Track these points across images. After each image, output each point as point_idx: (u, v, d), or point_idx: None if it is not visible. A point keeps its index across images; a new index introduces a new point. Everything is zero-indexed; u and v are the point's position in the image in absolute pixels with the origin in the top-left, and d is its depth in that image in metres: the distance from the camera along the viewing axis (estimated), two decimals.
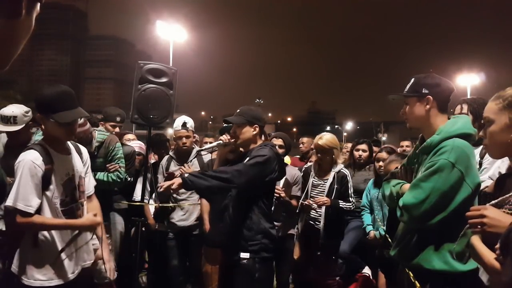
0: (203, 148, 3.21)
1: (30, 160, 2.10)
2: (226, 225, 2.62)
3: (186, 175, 2.44)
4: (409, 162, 2.19)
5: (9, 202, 2.03)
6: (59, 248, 2.17)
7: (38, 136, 3.28)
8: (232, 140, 2.80)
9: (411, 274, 1.94)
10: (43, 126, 2.21)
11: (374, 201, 4.07)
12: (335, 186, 3.91)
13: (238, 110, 2.84)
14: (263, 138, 2.86)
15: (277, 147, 3.30)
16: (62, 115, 2.12)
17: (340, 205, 3.89)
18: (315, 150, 4.06)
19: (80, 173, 2.32)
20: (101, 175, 3.27)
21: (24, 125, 3.11)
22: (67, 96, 2.22)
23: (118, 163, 3.40)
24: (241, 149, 2.89)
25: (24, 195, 2.04)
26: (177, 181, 2.41)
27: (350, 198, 3.95)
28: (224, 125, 3.19)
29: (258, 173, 2.53)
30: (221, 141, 2.87)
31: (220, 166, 2.85)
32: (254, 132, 2.74)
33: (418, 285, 1.91)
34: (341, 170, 4.00)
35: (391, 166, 3.10)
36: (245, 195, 2.59)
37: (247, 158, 2.61)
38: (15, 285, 2.12)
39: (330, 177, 3.95)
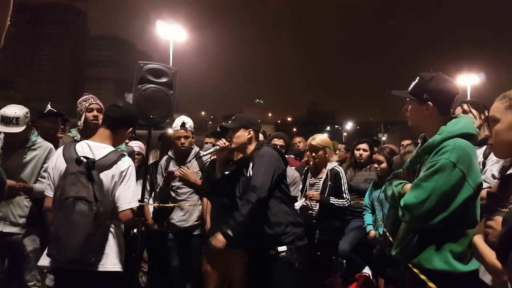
0: (202, 154, 3.30)
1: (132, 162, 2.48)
2: (255, 225, 2.79)
3: (229, 231, 2.66)
4: (411, 162, 2.18)
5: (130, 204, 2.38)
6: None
7: (34, 137, 3.27)
8: (228, 144, 3.00)
9: (417, 271, 1.93)
10: (125, 135, 2.64)
11: (375, 201, 4.08)
12: (329, 183, 4.00)
13: (233, 117, 3.09)
14: (259, 140, 3.05)
15: (278, 147, 3.38)
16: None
17: (331, 201, 3.94)
18: (308, 151, 4.13)
19: None
20: None
21: (25, 126, 3.11)
22: None
23: None
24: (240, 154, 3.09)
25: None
26: (220, 239, 2.67)
27: (344, 195, 4.01)
28: (218, 129, 3.34)
29: (272, 174, 2.76)
30: (218, 146, 3.04)
31: (222, 169, 3.09)
32: (249, 136, 2.97)
33: (425, 278, 1.89)
34: (335, 167, 4.08)
35: (407, 156, 3.10)
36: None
37: (251, 165, 2.81)
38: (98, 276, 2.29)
39: (324, 175, 4.06)
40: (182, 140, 3.83)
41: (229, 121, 3.07)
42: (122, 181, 2.37)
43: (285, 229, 2.76)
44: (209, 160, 3.97)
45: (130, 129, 2.63)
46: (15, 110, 3.09)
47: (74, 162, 2.29)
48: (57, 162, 2.41)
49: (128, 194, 2.38)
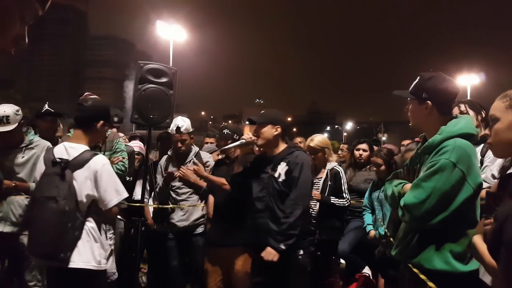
0: (226, 147, 3.28)
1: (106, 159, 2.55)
2: (268, 228, 2.84)
3: (281, 246, 2.71)
4: (411, 162, 2.18)
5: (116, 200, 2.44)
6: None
7: (31, 136, 3.27)
8: (254, 139, 2.97)
9: (417, 271, 1.93)
10: (100, 131, 2.58)
11: (374, 201, 4.08)
12: (329, 183, 4.03)
13: (262, 112, 3.07)
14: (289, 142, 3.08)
15: None
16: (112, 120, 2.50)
17: (332, 201, 3.95)
18: (308, 152, 4.13)
19: None
20: None
21: (17, 124, 3.09)
22: None
23: (122, 155, 3.48)
24: (258, 148, 3.13)
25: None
26: (271, 252, 2.71)
27: (344, 194, 4.03)
28: (224, 124, 3.34)
29: (311, 182, 2.93)
30: (243, 140, 3.00)
31: (242, 163, 3.09)
32: (276, 133, 2.93)
33: (425, 278, 1.89)
34: (335, 167, 4.11)
35: (408, 154, 3.10)
36: None
37: (282, 166, 2.84)
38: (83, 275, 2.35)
39: (324, 175, 4.08)
40: (179, 144, 3.82)
41: (258, 116, 3.05)
42: (99, 181, 2.39)
43: (301, 234, 2.82)
44: (209, 160, 3.98)
45: (102, 123, 2.58)
46: (4, 108, 3.07)
47: (50, 163, 2.40)
48: (39, 164, 2.54)
49: (111, 192, 2.42)
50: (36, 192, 2.47)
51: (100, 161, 2.44)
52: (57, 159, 2.38)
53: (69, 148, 2.47)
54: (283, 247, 2.70)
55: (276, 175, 2.85)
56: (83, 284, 2.39)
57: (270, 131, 2.91)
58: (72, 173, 2.36)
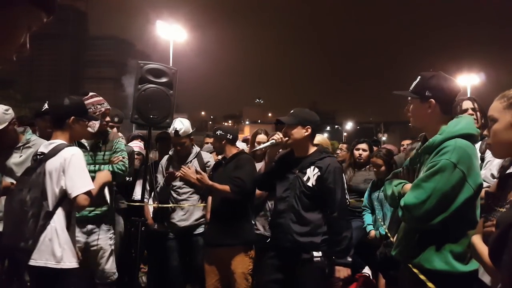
0: (256, 148, 3.26)
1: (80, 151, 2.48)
2: (283, 228, 2.81)
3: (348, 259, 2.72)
4: (411, 162, 2.18)
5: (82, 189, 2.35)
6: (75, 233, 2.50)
7: (29, 135, 3.27)
8: (285, 139, 2.88)
9: (416, 271, 1.93)
10: (74, 127, 2.52)
11: (374, 201, 4.08)
12: None
13: (292, 111, 2.97)
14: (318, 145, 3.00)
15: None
16: (91, 116, 2.50)
17: None
18: None
19: None
20: (106, 167, 3.31)
21: (6, 124, 3.06)
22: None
23: (122, 155, 3.45)
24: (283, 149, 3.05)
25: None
26: (343, 270, 2.73)
27: None
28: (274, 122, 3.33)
29: (344, 189, 2.83)
30: (274, 141, 2.91)
31: (270, 164, 3.01)
32: (306, 134, 2.84)
33: (424, 278, 1.90)
34: None
35: (412, 154, 3.10)
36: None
37: (312, 170, 2.78)
38: (46, 272, 2.30)
39: None
40: (178, 147, 3.82)
41: (288, 116, 2.97)
42: (66, 169, 2.37)
43: (322, 237, 2.74)
44: (210, 160, 3.98)
45: (73, 118, 2.54)
46: None
47: (33, 160, 2.49)
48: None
49: (77, 181, 2.38)
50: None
51: (71, 151, 2.42)
52: (38, 153, 2.45)
53: (49, 145, 2.50)
54: (349, 259, 2.74)
55: (305, 178, 2.77)
56: (46, 283, 2.34)
57: (300, 131, 2.83)
58: (45, 164, 2.38)
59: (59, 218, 2.37)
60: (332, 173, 2.75)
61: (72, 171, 2.38)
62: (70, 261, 2.37)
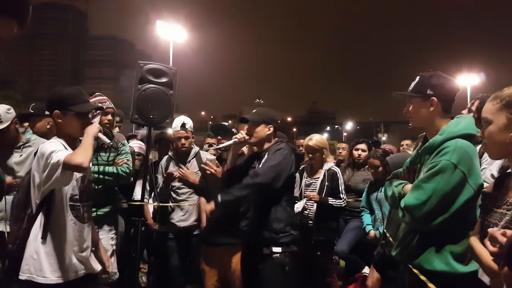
0: (219, 146, 3.28)
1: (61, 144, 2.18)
2: (251, 222, 2.84)
3: (219, 197, 2.61)
4: (411, 162, 2.18)
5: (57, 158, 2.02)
6: (66, 244, 2.18)
7: (29, 135, 3.28)
8: (247, 137, 2.93)
9: (417, 271, 1.93)
10: (59, 121, 2.24)
11: (373, 201, 4.08)
12: (326, 183, 4.03)
13: (255, 111, 3.04)
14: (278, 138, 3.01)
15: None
16: (81, 106, 2.25)
17: (329, 202, 3.96)
18: (305, 151, 4.13)
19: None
20: (110, 168, 3.31)
21: (9, 122, 3.08)
22: (81, 91, 2.35)
23: (127, 157, 3.47)
24: (255, 148, 3.05)
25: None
26: (210, 207, 2.63)
27: (341, 195, 4.04)
28: (211, 123, 3.35)
29: (282, 169, 2.69)
30: (236, 139, 2.96)
31: (233, 162, 3.04)
32: (268, 132, 2.92)
33: (424, 279, 1.90)
34: (332, 168, 4.12)
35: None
36: (272, 191, 2.70)
37: (265, 157, 2.76)
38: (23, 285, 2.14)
39: (321, 175, 4.08)
40: (183, 140, 3.83)
41: (251, 114, 3.01)
42: (40, 160, 2.10)
43: (284, 228, 2.70)
44: (210, 159, 3.99)
45: (57, 112, 2.23)
46: None
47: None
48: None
49: (54, 156, 2.04)
50: None
51: (46, 143, 2.22)
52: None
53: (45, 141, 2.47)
54: (219, 199, 2.62)
55: (258, 167, 2.79)
56: None
57: (263, 130, 2.90)
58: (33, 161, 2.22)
59: (36, 226, 2.14)
60: (273, 152, 2.76)
61: (43, 160, 2.08)
62: (49, 276, 2.12)
